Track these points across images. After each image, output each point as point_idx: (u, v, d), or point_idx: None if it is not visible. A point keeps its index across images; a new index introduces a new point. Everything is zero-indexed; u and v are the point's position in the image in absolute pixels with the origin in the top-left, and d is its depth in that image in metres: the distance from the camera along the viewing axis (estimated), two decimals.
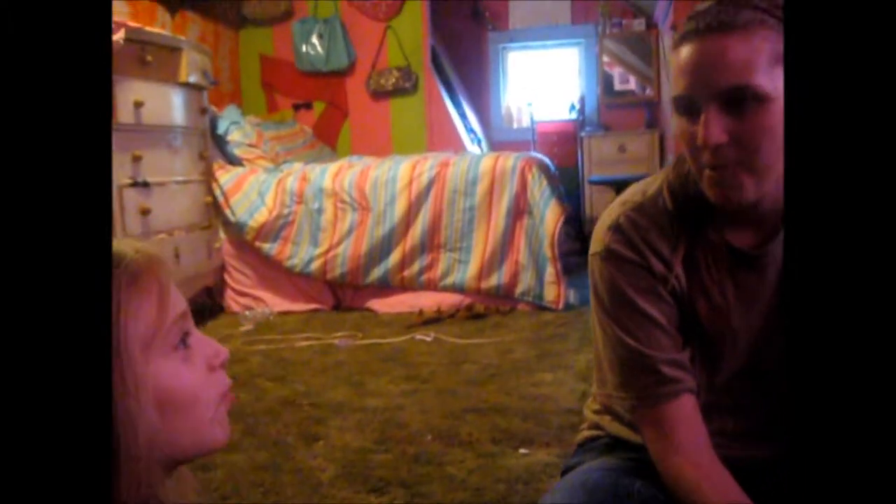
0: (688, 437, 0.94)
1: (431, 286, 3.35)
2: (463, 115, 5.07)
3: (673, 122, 0.93)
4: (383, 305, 3.39)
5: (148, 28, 2.97)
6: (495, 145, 5.29)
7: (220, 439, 0.68)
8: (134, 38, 2.78)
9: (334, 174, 3.45)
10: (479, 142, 5.15)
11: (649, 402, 0.96)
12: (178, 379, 0.63)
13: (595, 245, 1.01)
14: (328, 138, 4.81)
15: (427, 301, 3.30)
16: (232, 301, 3.50)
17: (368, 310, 3.40)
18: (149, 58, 2.88)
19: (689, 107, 0.87)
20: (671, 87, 0.92)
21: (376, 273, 3.37)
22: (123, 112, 2.76)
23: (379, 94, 4.72)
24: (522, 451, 1.72)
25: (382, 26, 4.66)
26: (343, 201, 3.40)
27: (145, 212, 2.86)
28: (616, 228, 0.98)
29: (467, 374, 2.36)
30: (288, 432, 1.92)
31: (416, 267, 3.34)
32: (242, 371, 2.50)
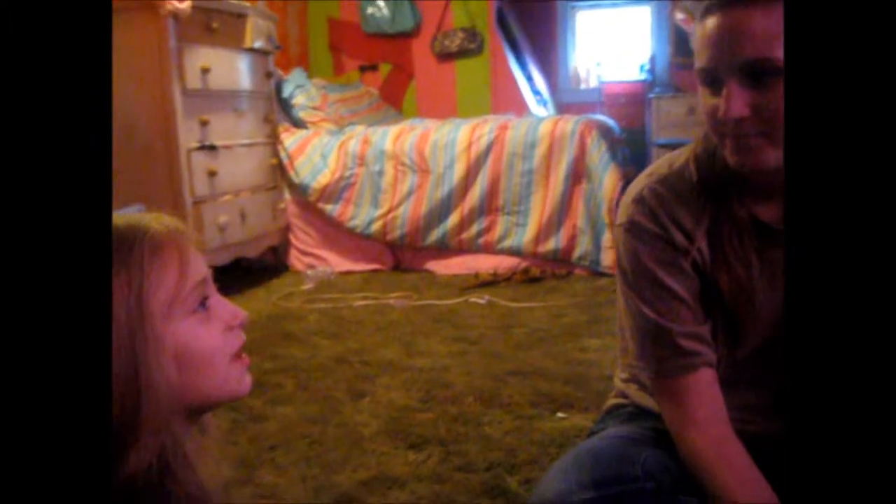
0: (704, 410, 0.96)
1: (489, 249, 3.38)
2: (529, 77, 5.02)
3: (699, 94, 0.94)
4: (442, 267, 3.45)
5: None
6: (562, 107, 5.23)
7: (238, 391, 0.75)
8: (201, 6, 2.87)
9: (395, 137, 3.51)
10: (545, 103, 5.10)
11: (667, 373, 0.98)
12: (196, 338, 0.69)
13: (620, 216, 1.02)
14: (394, 100, 4.86)
15: (484, 263, 3.35)
16: (296, 260, 3.62)
17: (427, 271, 3.47)
18: (215, 25, 2.97)
19: (712, 79, 0.88)
20: (696, 58, 0.92)
21: (435, 235, 3.42)
22: (191, 78, 2.87)
23: (444, 56, 4.72)
24: (560, 414, 1.77)
25: None
26: (403, 164, 3.45)
27: (212, 174, 2.99)
28: (640, 200, 0.99)
29: (516, 338, 2.40)
30: (337, 388, 2.01)
31: (473, 229, 3.38)
32: (300, 328, 2.61)
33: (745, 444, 0.96)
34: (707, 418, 0.96)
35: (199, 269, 0.71)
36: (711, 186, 0.97)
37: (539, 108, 4.94)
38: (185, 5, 2.76)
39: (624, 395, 1.19)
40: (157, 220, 0.71)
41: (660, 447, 1.01)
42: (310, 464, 1.57)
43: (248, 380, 0.76)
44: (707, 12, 0.88)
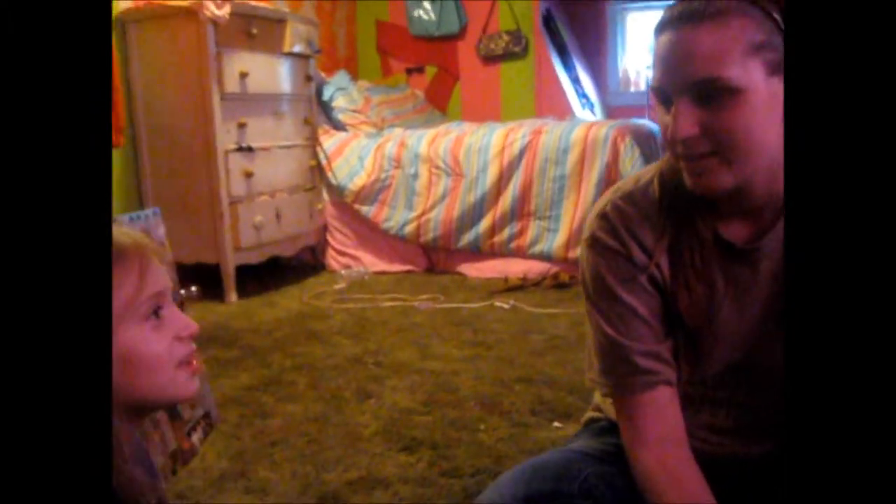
0: (657, 429, 0.95)
1: (520, 253, 3.39)
2: (575, 80, 4.99)
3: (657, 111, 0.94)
4: (473, 270, 3.47)
5: (253, 2, 3.15)
6: (611, 110, 5.18)
7: (179, 395, 0.80)
8: (240, 13, 2.97)
9: (431, 140, 3.55)
10: (591, 107, 5.06)
11: (623, 391, 0.98)
12: (144, 343, 0.75)
13: (584, 231, 1.03)
14: (439, 102, 4.90)
15: (515, 267, 3.36)
16: (332, 260, 3.70)
17: (459, 273, 3.50)
18: (254, 30, 3.06)
19: (664, 97, 0.88)
20: (651, 76, 0.93)
21: (467, 238, 3.45)
22: (229, 82, 2.97)
23: (489, 59, 4.74)
24: (556, 424, 1.78)
25: None
26: (437, 167, 3.49)
27: (248, 174, 3.08)
28: (602, 216, 0.99)
29: (531, 344, 2.42)
30: (347, 388, 2.07)
31: (505, 233, 3.40)
32: (324, 328, 2.68)
33: (711, 466, 0.96)
34: (661, 438, 0.96)
35: (159, 281, 0.77)
36: (674, 204, 0.96)
37: (585, 111, 4.91)
38: (225, 11, 2.85)
39: (599, 409, 1.20)
40: (124, 234, 0.78)
41: (615, 465, 1.01)
42: (304, 461, 1.63)
43: (192, 385, 0.81)
44: (659, 29, 0.88)
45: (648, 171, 1.03)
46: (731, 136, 0.84)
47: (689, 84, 0.83)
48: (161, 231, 1.71)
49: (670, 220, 0.96)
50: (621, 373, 0.97)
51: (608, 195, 1.03)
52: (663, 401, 0.96)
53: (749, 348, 0.96)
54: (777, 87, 0.83)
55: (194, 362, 0.81)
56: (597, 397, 1.21)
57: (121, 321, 0.73)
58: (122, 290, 0.73)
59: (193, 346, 0.81)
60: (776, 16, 0.83)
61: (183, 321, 0.79)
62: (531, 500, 0.92)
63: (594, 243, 0.99)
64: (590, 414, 1.22)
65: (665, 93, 0.87)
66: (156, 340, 0.76)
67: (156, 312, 0.76)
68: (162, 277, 0.78)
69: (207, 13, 2.81)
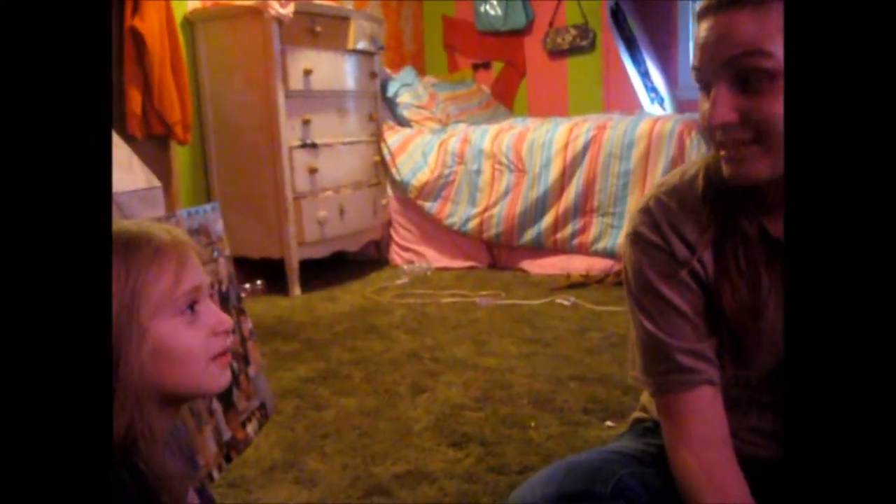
0: (698, 430, 0.93)
1: (583, 250, 3.35)
2: (644, 74, 4.89)
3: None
4: (535, 266, 3.44)
5: (317, 1, 3.19)
6: (682, 104, 5.06)
7: (212, 388, 0.82)
8: (304, 11, 3.02)
9: (494, 136, 3.53)
10: (660, 101, 4.95)
11: (664, 389, 0.96)
12: (177, 337, 0.78)
13: (627, 226, 1.01)
14: (506, 97, 4.88)
15: (578, 264, 3.32)
16: (396, 255, 3.73)
17: (521, 270, 3.48)
18: (318, 28, 3.11)
19: (704, 82, 0.86)
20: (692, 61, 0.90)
21: (530, 234, 3.42)
22: (294, 79, 3.02)
23: (555, 53, 4.69)
24: (608, 423, 1.75)
25: None
26: (500, 163, 3.47)
27: (313, 170, 3.14)
28: (645, 211, 0.98)
29: (589, 342, 2.38)
30: (402, 382, 2.08)
31: (568, 230, 3.36)
32: (384, 322, 2.70)
33: (755, 470, 0.93)
34: (702, 439, 0.93)
35: (195, 277, 0.80)
36: (719, 199, 0.94)
37: (654, 105, 4.81)
38: (289, 10, 2.91)
39: (645, 410, 1.18)
40: (165, 231, 0.80)
41: (654, 466, 0.99)
42: (354, 454, 1.64)
43: (224, 378, 0.83)
44: (700, 15, 0.86)
45: (695, 165, 1.00)
46: (769, 123, 0.81)
47: (728, 66, 0.81)
48: (219, 226, 1.76)
49: (715, 215, 0.94)
50: (662, 371, 0.95)
51: (653, 189, 1.00)
52: (705, 401, 0.94)
53: None
54: None
55: (228, 356, 0.83)
56: (643, 397, 1.19)
57: (156, 315, 0.75)
58: (159, 285, 0.76)
59: (228, 340, 0.83)
60: None
61: (218, 317, 0.81)
62: (563, 499, 0.91)
63: (636, 238, 0.98)
64: (636, 414, 1.20)
65: (705, 77, 0.85)
66: (190, 335, 0.78)
67: (191, 307, 0.78)
68: (199, 274, 0.80)
69: (272, 12, 2.87)
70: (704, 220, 0.94)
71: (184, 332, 0.78)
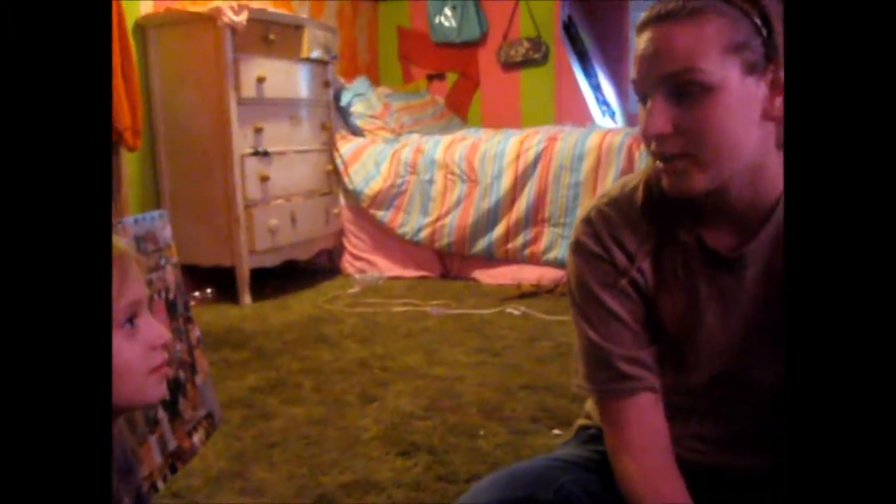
0: (639, 435, 0.95)
1: (534, 260, 3.39)
2: (596, 87, 4.98)
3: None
4: (487, 276, 3.47)
5: (271, 8, 3.19)
6: (631, 117, 5.16)
7: (146, 400, 0.82)
8: (257, 19, 3.01)
9: (447, 147, 3.56)
10: (612, 114, 5.05)
11: (606, 396, 0.98)
12: (115, 350, 0.77)
13: (571, 236, 1.04)
14: (459, 108, 4.92)
15: (529, 274, 3.35)
16: (348, 264, 3.72)
17: (473, 279, 3.50)
18: (272, 36, 3.10)
19: (642, 94, 0.88)
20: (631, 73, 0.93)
21: (481, 244, 3.46)
22: (246, 87, 3.01)
23: (509, 65, 4.74)
24: (556, 431, 1.77)
25: None
26: (453, 173, 3.50)
27: (264, 179, 3.12)
28: (587, 221, 1.00)
29: (539, 351, 2.41)
30: (351, 391, 2.08)
31: (519, 240, 3.40)
32: (335, 331, 2.70)
33: (699, 476, 0.96)
34: (643, 445, 0.95)
35: (135, 291, 0.79)
36: (658, 210, 0.96)
37: (605, 118, 4.90)
38: (242, 18, 2.90)
39: (589, 417, 1.20)
40: None
41: (597, 472, 1.01)
42: (301, 463, 1.64)
43: (159, 390, 0.82)
44: (640, 28, 0.88)
45: (635, 177, 1.02)
46: (703, 136, 0.83)
47: (664, 77, 0.83)
48: (167, 233, 1.74)
49: (654, 226, 0.96)
50: (604, 378, 0.97)
51: (594, 200, 1.03)
52: (646, 407, 0.96)
53: (735, 359, 0.95)
54: (753, 88, 0.83)
55: (166, 369, 0.83)
56: (587, 405, 1.21)
57: None
58: None
59: (166, 354, 0.82)
60: (755, 19, 0.83)
61: (156, 330, 0.81)
62: None
63: (578, 248, 1.00)
64: (580, 422, 1.22)
65: (643, 89, 0.87)
66: (128, 348, 0.77)
67: (130, 321, 0.78)
68: (139, 287, 0.80)
69: (226, 19, 2.86)
70: (644, 231, 0.97)
71: (122, 346, 0.77)
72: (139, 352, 0.78)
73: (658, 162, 0.89)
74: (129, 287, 0.78)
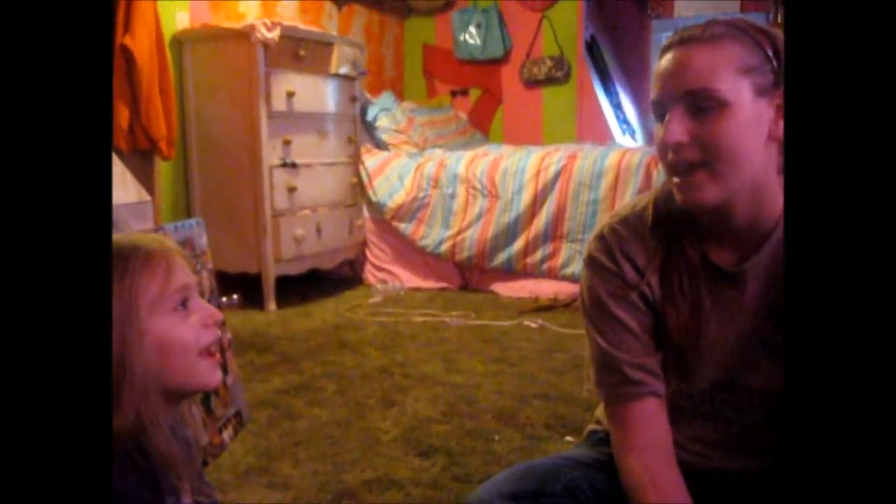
0: (644, 437, 1.02)
1: (552, 274, 3.46)
2: (617, 106, 5.06)
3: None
4: (505, 289, 3.55)
5: (302, 25, 3.30)
6: (652, 136, 5.23)
7: (208, 380, 0.91)
8: (289, 35, 3.12)
9: (469, 162, 3.65)
10: (632, 132, 5.12)
11: (614, 399, 1.06)
12: (174, 330, 0.87)
13: (585, 251, 1.12)
14: (482, 124, 5.01)
15: (546, 288, 3.42)
16: (370, 274, 3.81)
17: (492, 292, 3.58)
18: (302, 52, 3.21)
19: (661, 111, 0.95)
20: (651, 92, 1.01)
21: (501, 258, 3.53)
22: (277, 101, 3.11)
23: (531, 83, 4.84)
24: (568, 438, 1.84)
25: (538, 16, 4.76)
26: (474, 188, 3.59)
27: (291, 189, 3.22)
28: (600, 238, 1.08)
29: (554, 362, 2.48)
30: (372, 395, 2.16)
31: (538, 255, 3.47)
32: (357, 338, 2.78)
33: (702, 479, 1.03)
34: (646, 445, 1.02)
35: (182, 277, 0.89)
36: (665, 228, 1.04)
37: (625, 137, 4.97)
38: (275, 35, 3.01)
39: (598, 422, 1.27)
40: (153, 240, 0.90)
41: (603, 471, 1.09)
42: (324, 461, 1.72)
43: (216, 374, 0.91)
44: (663, 51, 0.96)
45: (645, 197, 1.10)
46: (718, 147, 0.91)
47: (683, 93, 0.91)
48: (203, 240, 1.84)
49: (662, 243, 1.03)
50: (612, 382, 1.05)
51: (607, 219, 1.11)
52: (651, 411, 1.03)
53: (734, 367, 1.02)
54: (763, 108, 0.92)
55: (217, 356, 0.92)
56: (598, 411, 1.28)
57: (152, 313, 0.85)
58: (152, 286, 0.85)
59: (219, 332, 0.92)
60: (767, 49, 0.92)
61: (208, 310, 0.91)
62: (517, 496, 1.00)
63: (591, 262, 1.08)
64: (591, 426, 1.29)
65: (662, 105, 0.95)
66: (184, 328, 0.87)
67: (183, 304, 0.88)
68: (186, 274, 0.90)
69: (259, 35, 2.97)
70: (652, 248, 1.04)
71: (178, 326, 0.87)
72: (192, 330, 0.88)
73: (673, 177, 0.96)
74: (177, 275, 0.88)
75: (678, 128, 0.91)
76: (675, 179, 0.95)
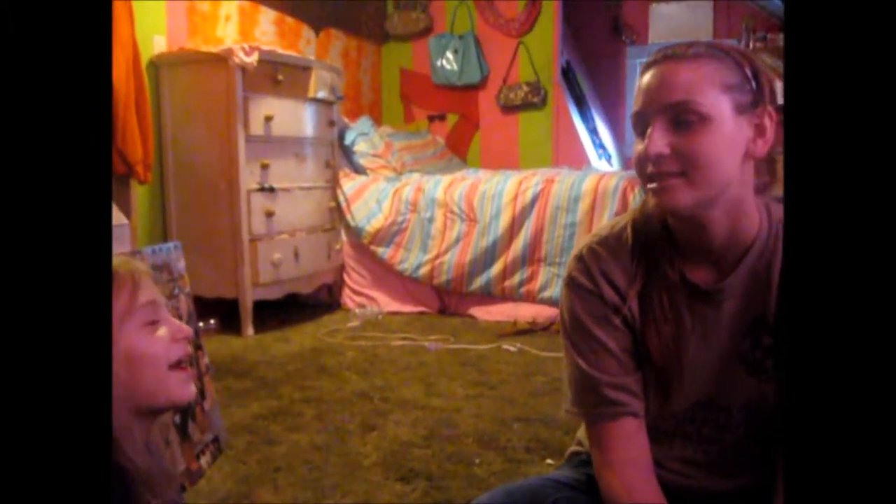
0: (623, 456, 1.03)
1: (530, 298, 3.47)
2: (593, 131, 5.12)
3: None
4: (484, 313, 3.55)
5: (280, 50, 3.31)
6: (627, 160, 5.29)
7: (179, 394, 0.91)
8: (267, 59, 3.13)
9: (447, 186, 3.66)
10: (608, 157, 5.18)
11: (593, 419, 1.06)
12: (143, 344, 0.88)
13: (564, 272, 1.13)
14: (459, 149, 5.04)
15: (525, 312, 3.43)
16: (348, 298, 3.80)
17: (470, 316, 3.58)
18: (280, 76, 3.22)
19: (641, 125, 0.97)
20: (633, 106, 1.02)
21: (479, 282, 3.54)
22: (255, 125, 3.11)
23: (508, 108, 4.89)
24: (549, 461, 1.84)
25: (515, 42, 4.83)
26: (452, 212, 3.60)
27: (269, 214, 3.21)
28: (579, 258, 1.09)
29: (533, 385, 2.48)
30: (352, 420, 2.14)
31: (516, 278, 3.48)
32: (335, 363, 2.77)
33: (684, 499, 1.03)
34: (625, 464, 1.03)
35: (149, 294, 0.90)
36: (644, 249, 1.05)
37: (601, 161, 5.02)
38: (253, 59, 3.01)
39: (580, 444, 1.27)
40: (119, 261, 0.91)
41: (586, 493, 1.09)
42: (305, 487, 1.70)
43: (188, 389, 0.91)
44: (646, 68, 0.99)
45: (623, 219, 1.12)
46: (697, 159, 0.93)
47: (666, 106, 0.93)
48: (181, 264, 1.82)
49: (641, 264, 1.05)
50: (591, 403, 1.05)
51: (586, 239, 1.12)
52: (630, 430, 1.04)
53: (714, 386, 1.03)
54: (742, 126, 0.94)
55: (188, 370, 0.92)
56: (579, 433, 1.28)
57: (121, 327, 0.85)
58: (119, 302, 0.86)
59: (189, 348, 0.92)
60: (746, 69, 0.95)
61: (177, 325, 0.91)
62: None
63: (570, 283, 1.08)
64: (573, 448, 1.29)
65: (643, 118, 0.97)
66: (152, 341, 0.88)
67: (152, 321, 0.88)
68: (153, 291, 0.91)
69: (237, 60, 2.97)
70: (632, 268, 1.06)
71: (146, 339, 0.88)
72: (161, 344, 0.88)
73: (649, 182, 0.97)
74: (143, 291, 0.89)
75: (660, 140, 0.93)
76: (652, 185, 0.96)
